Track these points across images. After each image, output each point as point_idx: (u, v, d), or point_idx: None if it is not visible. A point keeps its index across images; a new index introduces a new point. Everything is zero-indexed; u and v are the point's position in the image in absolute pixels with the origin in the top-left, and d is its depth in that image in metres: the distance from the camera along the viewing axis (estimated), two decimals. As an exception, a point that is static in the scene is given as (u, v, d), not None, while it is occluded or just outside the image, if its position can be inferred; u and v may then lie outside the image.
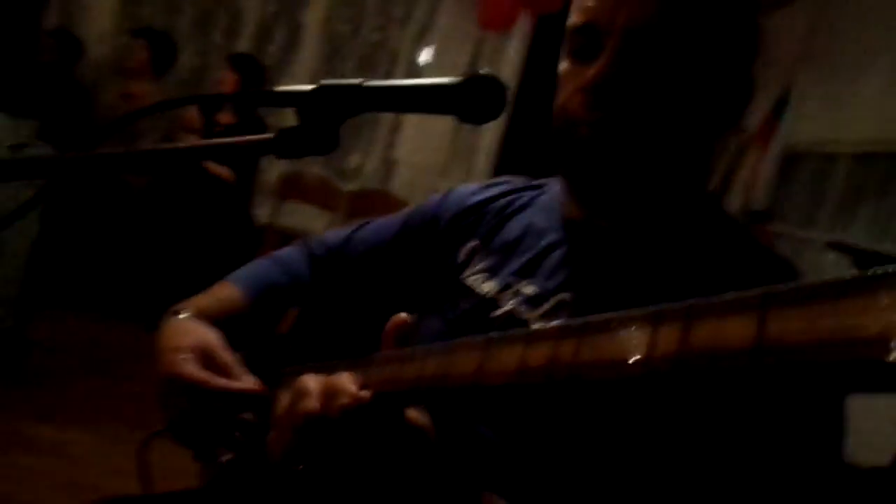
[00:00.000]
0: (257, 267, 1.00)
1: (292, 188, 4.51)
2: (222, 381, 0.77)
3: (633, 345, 0.35)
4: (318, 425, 0.58)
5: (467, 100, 0.70)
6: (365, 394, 0.56)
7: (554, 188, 0.88)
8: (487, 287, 0.83)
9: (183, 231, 3.28)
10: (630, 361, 0.35)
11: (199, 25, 4.51)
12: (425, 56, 4.58)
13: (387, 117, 4.54)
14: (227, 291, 0.94)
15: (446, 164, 4.53)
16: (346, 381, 0.58)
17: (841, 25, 3.58)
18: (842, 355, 0.26)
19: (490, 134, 4.50)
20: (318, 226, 3.95)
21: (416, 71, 4.52)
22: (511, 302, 0.79)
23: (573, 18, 0.74)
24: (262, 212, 4.35)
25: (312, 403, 0.58)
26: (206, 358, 0.79)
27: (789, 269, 0.72)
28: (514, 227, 0.87)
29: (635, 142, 0.71)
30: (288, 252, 1.04)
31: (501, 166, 4.26)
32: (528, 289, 0.78)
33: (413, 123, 4.52)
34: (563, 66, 0.76)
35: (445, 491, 0.60)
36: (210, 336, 0.82)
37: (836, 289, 0.28)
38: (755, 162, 3.89)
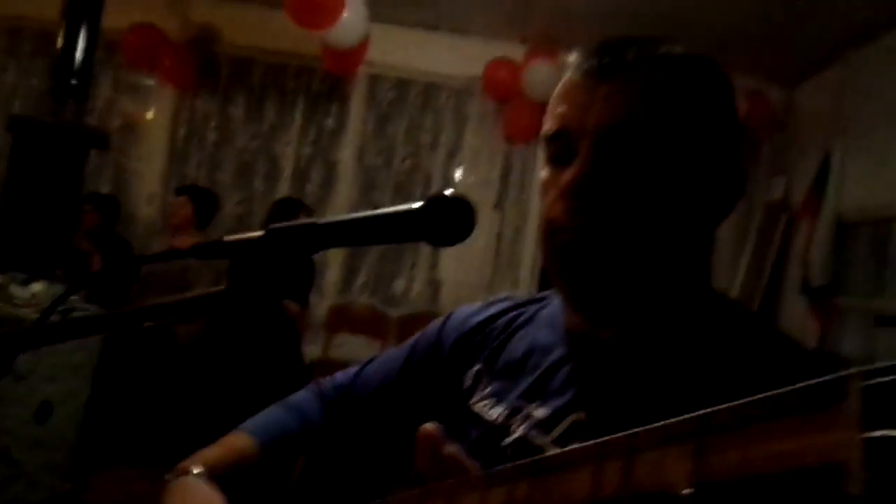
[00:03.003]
0: (269, 414, 0.98)
1: (341, 320, 4.56)
2: None
3: (580, 485, 0.32)
4: None
5: (432, 223, 0.67)
6: None
7: (556, 300, 0.84)
8: (496, 413, 0.78)
9: (233, 380, 3.29)
10: (578, 498, 0.32)
11: (241, 176, 4.75)
12: (459, 175, 4.68)
13: (427, 239, 4.59)
14: (238, 441, 0.91)
15: (491, 278, 4.52)
16: None
17: (873, 86, 3.53)
18: (790, 490, 0.22)
19: (531, 245, 4.49)
20: (370, 355, 3.92)
21: (451, 186, 4.60)
22: (521, 427, 0.73)
23: (547, 126, 0.73)
24: (313, 348, 4.37)
25: None
26: None
27: (820, 361, 0.64)
28: (517, 346, 0.82)
29: (622, 242, 0.67)
30: (300, 397, 1.01)
31: (546, 278, 4.22)
32: (539, 412, 0.73)
33: (453, 242, 4.56)
34: (543, 174, 0.75)
35: None
36: None
37: (773, 407, 0.24)
38: (807, 236, 3.76)
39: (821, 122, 4.02)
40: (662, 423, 0.29)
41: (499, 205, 4.63)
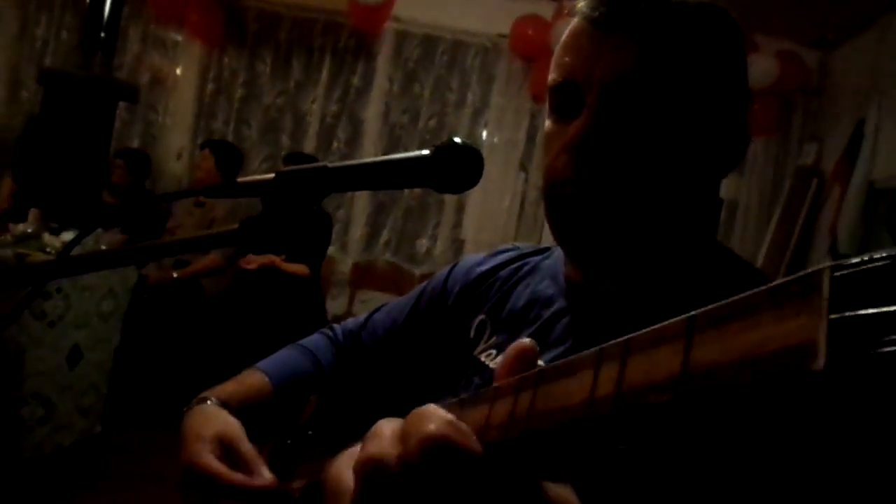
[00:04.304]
0: (284, 355, 1.01)
1: (365, 277, 4.61)
2: (237, 477, 0.76)
3: (579, 388, 0.34)
4: (393, 483, 0.35)
5: (441, 170, 0.68)
6: (473, 440, 0.35)
7: (559, 251, 0.85)
8: (497, 362, 0.80)
9: (258, 333, 3.36)
10: (575, 405, 0.34)
11: (267, 132, 4.77)
12: (485, 134, 4.66)
13: (451, 199, 4.61)
14: (253, 379, 0.94)
15: (513, 239, 4.52)
16: (434, 409, 0.37)
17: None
18: (763, 371, 0.24)
19: (555, 204, 4.47)
20: (391, 312, 3.98)
21: (477, 146, 4.58)
22: None
23: (553, 76, 0.71)
24: (337, 303, 4.44)
25: (383, 447, 0.35)
26: (227, 448, 0.79)
27: None
28: (520, 297, 0.84)
29: (624, 197, 0.67)
30: (314, 340, 1.04)
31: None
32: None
33: (477, 202, 4.56)
34: (548, 125, 0.74)
35: None
36: (232, 426, 0.82)
37: (752, 303, 0.26)
38: (836, 203, 3.69)
39: (855, 87, 3.92)
40: (653, 327, 0.31)
41: (524, 165, 4.61)
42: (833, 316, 0.22)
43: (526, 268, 0.87)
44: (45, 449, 2.54)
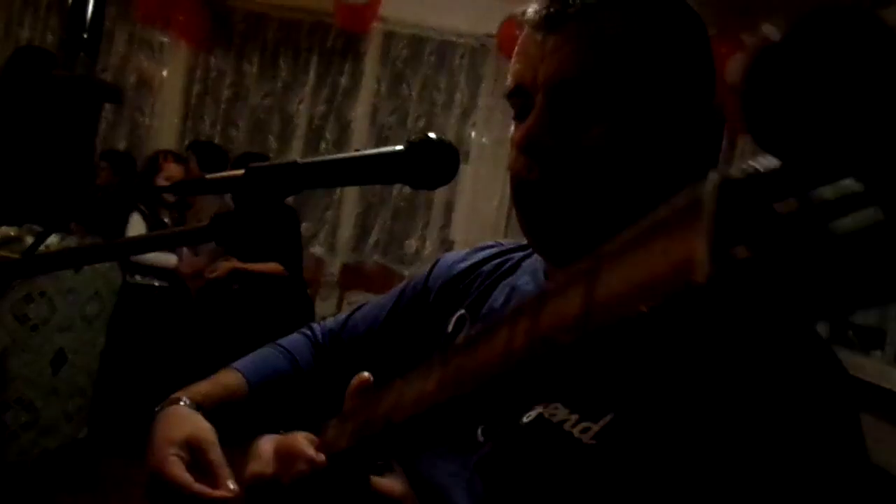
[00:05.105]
0: (261, 354, 0.99)
1: (354, 279, 4.59)
2: (200, 488, 0.75)
3: (497, 345, 0.36)
4: (270, 493, 0.54)
5: (415, 166, 0.68)
6: (321, 457, 0.52)
7: None
8: None
9: (245, 335, 3.34)
10: (494, 360, 0.36)
11: (255, 134, 4.75)
12: (473, 135, 4.66)
13: (440, 200, 4.60)
14: (229, 378, 0.92)
15: (503, 238, 4.51)
16: (302, 442, 0.54)
17: None
18: (655, 295, 0.25)
19: (544, 203, 4.47)
20: (381, 313, 3.97)
21: (465, 146, 4.59)
22: None
23: (507, 84, 0.73)
24: (327, 304, 4.42)
25: (262, 467, 0.55)
26: (195, 454, 0.78)
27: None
28: (500, 293, 0.83)
29: (585, 194, 0.67)
30: (292, 339, 1.03)
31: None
32: None
33: (465, 202, 4.56)
34: (510, 130, 0.75)
35: None
36: (203, 430, 0.80)
37: (649, 229, 0.27)
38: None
39: None
40: (568, 268, 0.31)
41: (512, 165, 4.61)
42: (716, 228, 0.22)
43: (508, 264, 0.87)
44: (31, 454, 2.51)
